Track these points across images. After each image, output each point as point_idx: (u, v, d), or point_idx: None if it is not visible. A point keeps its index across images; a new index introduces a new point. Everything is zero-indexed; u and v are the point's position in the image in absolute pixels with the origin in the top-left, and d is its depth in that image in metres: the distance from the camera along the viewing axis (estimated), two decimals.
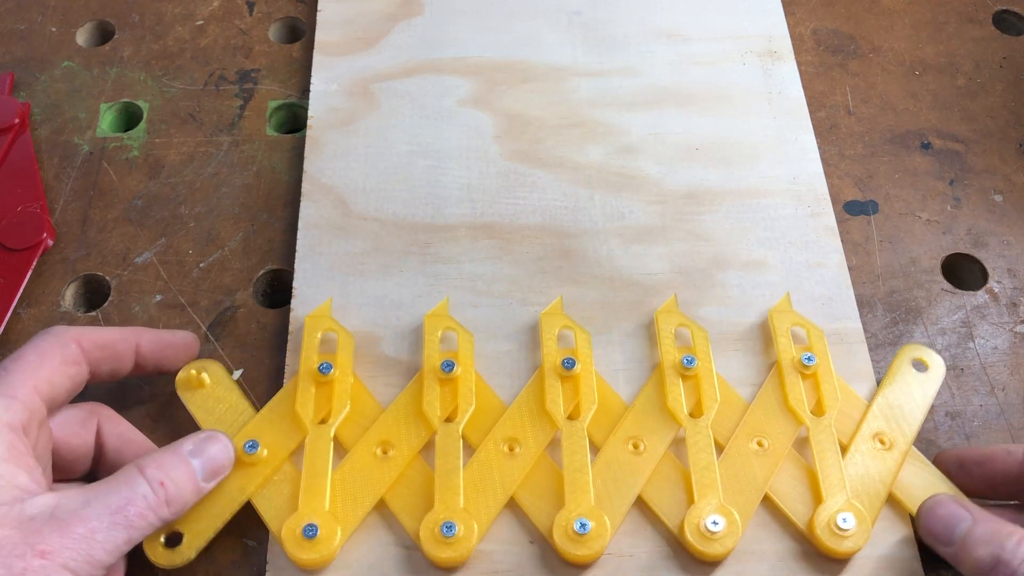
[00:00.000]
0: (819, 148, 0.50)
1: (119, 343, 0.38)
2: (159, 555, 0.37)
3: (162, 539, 0.37)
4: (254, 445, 0.38)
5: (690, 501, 0.38)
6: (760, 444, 0.40)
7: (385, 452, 0.39)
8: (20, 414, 0.34)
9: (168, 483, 0.34)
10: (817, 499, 0.38)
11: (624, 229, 0.47)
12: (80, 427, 0.37)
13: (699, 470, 0.38)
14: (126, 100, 0.52)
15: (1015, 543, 0.33)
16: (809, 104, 0.51)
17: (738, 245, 0.46)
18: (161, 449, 0.36)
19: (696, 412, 0.40)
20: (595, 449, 0.40)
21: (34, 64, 0.54)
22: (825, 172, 0.49)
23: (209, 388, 0.41)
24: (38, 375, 0.35)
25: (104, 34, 0.56)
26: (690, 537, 0.37)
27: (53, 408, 0.36)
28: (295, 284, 0.45)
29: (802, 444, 0.40)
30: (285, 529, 0.37)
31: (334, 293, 0.44)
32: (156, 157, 0.50)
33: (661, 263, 0.45)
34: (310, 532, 0.36)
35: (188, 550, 0.37)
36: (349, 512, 0.38)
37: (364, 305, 0.44)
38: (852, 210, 0.48)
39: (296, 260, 0.45)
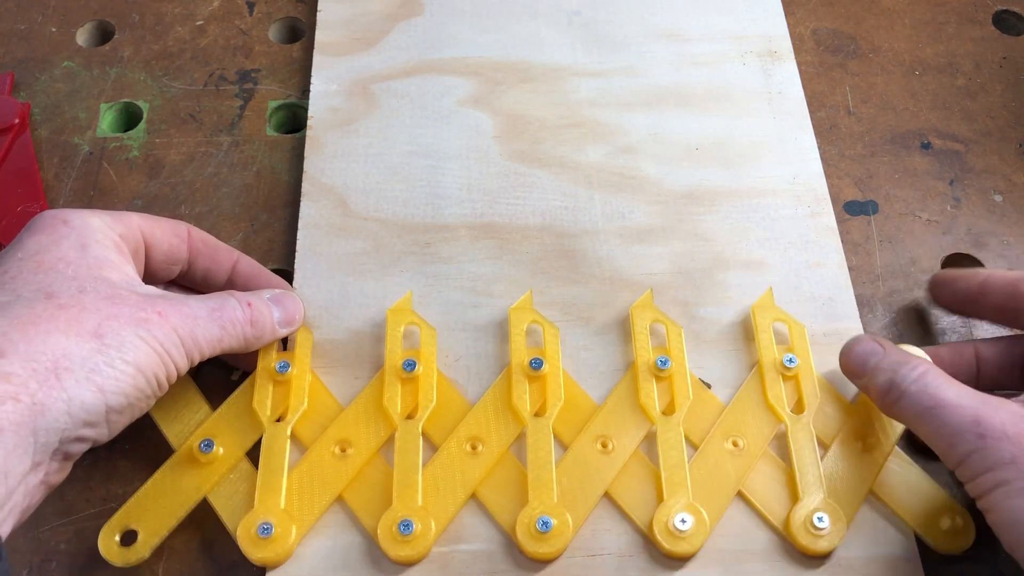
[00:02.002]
0: (819, 148, 0.50)
1: (220, 252, 0.41)
2: (114, 554, 0.37)
3: (117, 537, 0.37)
4: (209, 444, 0.39)
5: (660, 499, 0.38)
6: (735, 444, 0.40)
7: (344, 450, 0.39)
8: (122, 231, 0.38)
9: (254, 306, 0.39)
10: (794, 498, 0.38)
11: (624, 229, 0.47)
12: (174, 233, 0.40)
13: (669, 468, 0.39)
14: (126, 100, 0.52)
15: (909, 369, 0.36)
16: (809, 104, 0.51)
17: (738, 245, 0.46)
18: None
19: (669, 410, 0.40)
20: (565, 449, 0.40)
21: (34, 64, 0.54)
22: (825, 172, 0.49)
23: None
24: (145, 223, 0.39)
25: (104, 34, 0.56)
26: (658, 535, 0.37)
27: (150, 251, 0.40)
28: (295, 284, 0.44)
29: (783, 444, 0.40)
30: (241, 527, 0.37)
31: (334, 293, 0.44)
32: (156, 157, 0.50)
33: (661, 263, 0.45)
34: (265, 531, 0.37)
35: (143, 548, 0.37)
36: (305, 510, 0.38)
37: (364, 305, 0.44)
38: (852, 210, 0.48)
39: (296, 260, 0.45)
